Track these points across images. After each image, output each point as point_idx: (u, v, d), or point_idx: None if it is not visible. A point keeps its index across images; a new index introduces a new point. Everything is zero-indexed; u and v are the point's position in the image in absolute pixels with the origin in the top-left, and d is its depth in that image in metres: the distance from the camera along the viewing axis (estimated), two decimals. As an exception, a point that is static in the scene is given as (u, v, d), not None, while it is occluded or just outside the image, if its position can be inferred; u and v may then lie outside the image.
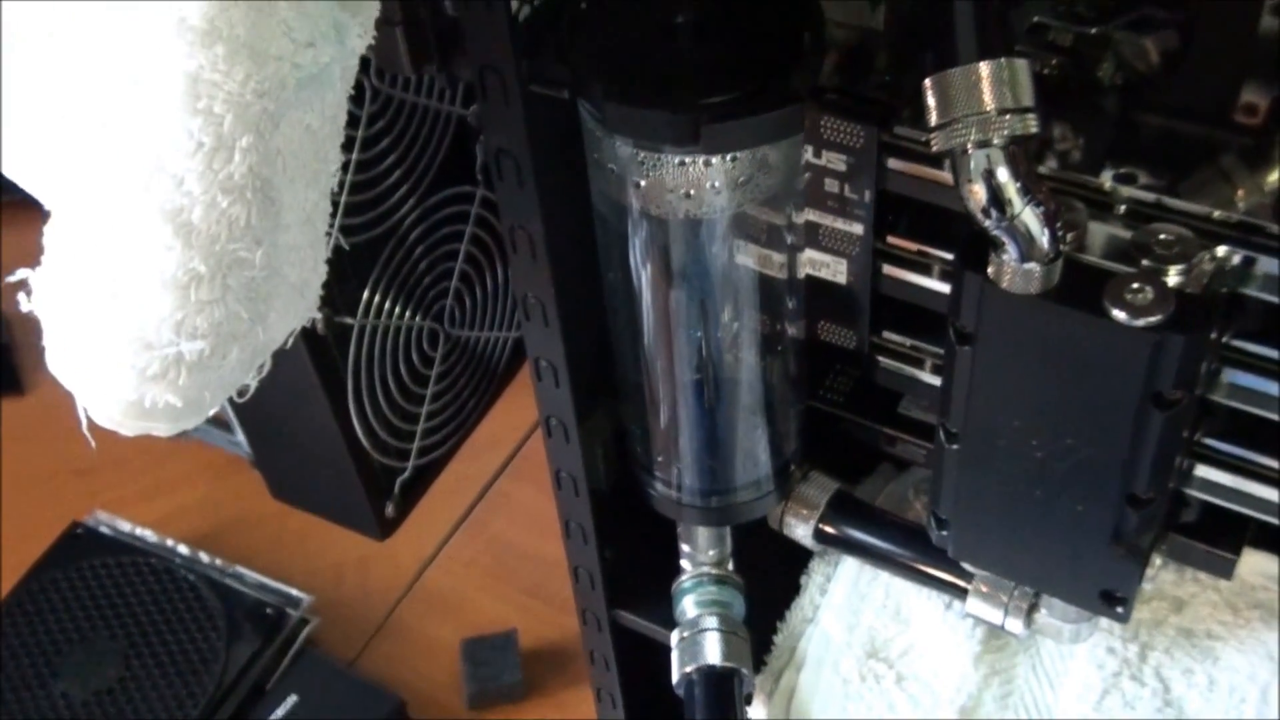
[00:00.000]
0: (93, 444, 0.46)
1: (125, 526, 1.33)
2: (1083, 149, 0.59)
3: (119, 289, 0.44)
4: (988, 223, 0.50)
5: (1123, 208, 0.55)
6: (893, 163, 0.59)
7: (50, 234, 0.47)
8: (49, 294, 0.46)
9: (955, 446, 0.60)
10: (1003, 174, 0.49)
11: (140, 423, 0.45)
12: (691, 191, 0.56)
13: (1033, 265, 0.51)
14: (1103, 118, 0.61)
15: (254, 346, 0.46)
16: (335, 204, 0.55)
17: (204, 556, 1.29)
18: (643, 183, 0.56)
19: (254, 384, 0.50)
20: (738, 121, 0.52)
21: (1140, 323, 0.50)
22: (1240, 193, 0.55)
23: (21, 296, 0.48)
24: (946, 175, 0.51)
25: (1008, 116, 0.48)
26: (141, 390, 0.44)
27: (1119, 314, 0.50)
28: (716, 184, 0.56)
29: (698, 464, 0.70)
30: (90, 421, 0.46)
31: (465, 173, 1.00)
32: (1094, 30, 0.62)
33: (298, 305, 0.51)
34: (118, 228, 0.43)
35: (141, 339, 0.44)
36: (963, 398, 0.58)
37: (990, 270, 0.52)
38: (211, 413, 0.48)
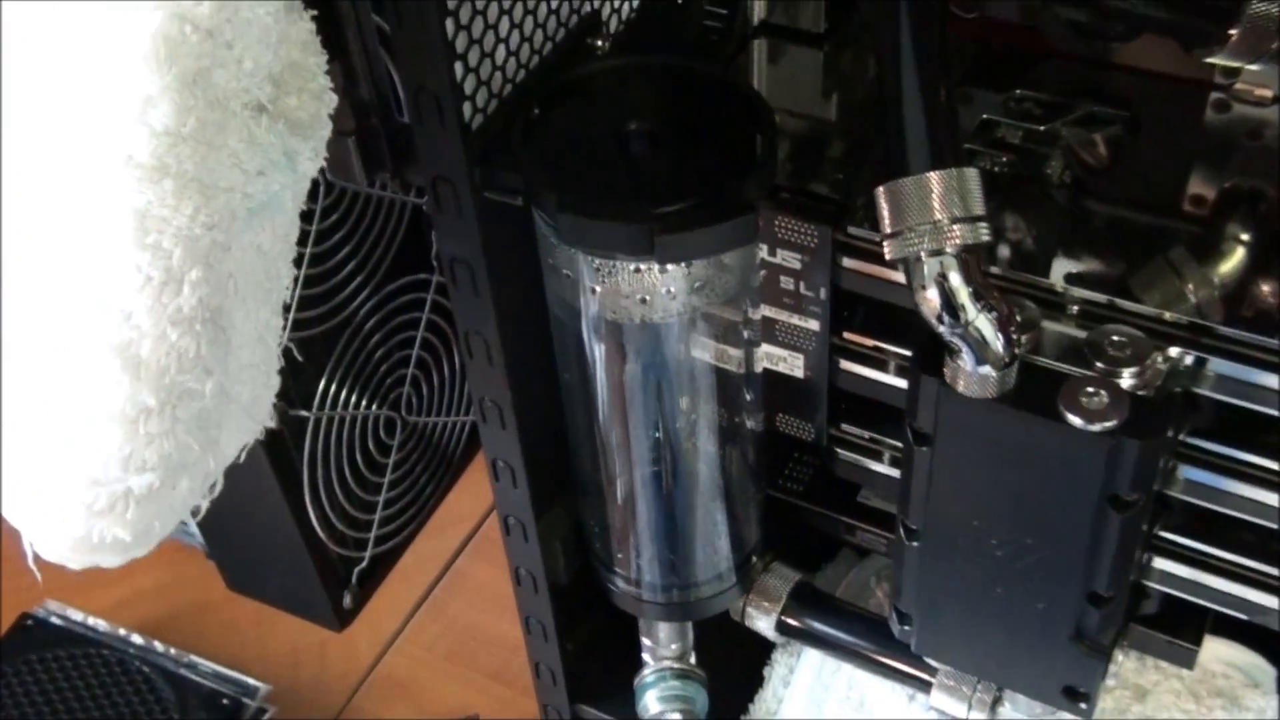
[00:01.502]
0: (39, 577, 0.45)
1: (77, 616, 1.30)
2: (1035, 243, 0.59)
3: (66, 424, 0.43)
4: (942, 328, 0.50)
5: (1075, 308, 0.55)
6: (847, 261, 0.60)
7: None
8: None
9: (915, 543, 0.60)
10: (956, 281, 0.49)
11: (88, 557, 0.44)
12: (647, 297, 0.56)
13: (988, 370, 0.51)
14: (1054, 212, 0.61)
15: (205, 473, 0.45)
16: (287, 304, 0.54)
17: (158, 645, 1.27)
18: (598, 288, 0.56)
19: (205, 504, 0.49)
20: (692, 232, 0.51)
21: (1096, 427, 0.50)
22: (1190, 286, 0.55)
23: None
24: (900, 275, 0.51)
25: (959, 226, 0.48)
26: (89, 525, 0.43)
27: (1074, 419, 0.50)
28: (672, 289, 0.56)
29: (658, 560, 0.70)
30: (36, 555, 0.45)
31: (421, 260, 0.99)
32: (1043, 127, 0.63)
33: (249, 424, 0.50)
34: (65, 362, 0.42)
35: (89, 475, 0.43)
36: (921, 496, 0.58)
37: (946, 374, 0.52)
38: (161, 540, 0.47)
